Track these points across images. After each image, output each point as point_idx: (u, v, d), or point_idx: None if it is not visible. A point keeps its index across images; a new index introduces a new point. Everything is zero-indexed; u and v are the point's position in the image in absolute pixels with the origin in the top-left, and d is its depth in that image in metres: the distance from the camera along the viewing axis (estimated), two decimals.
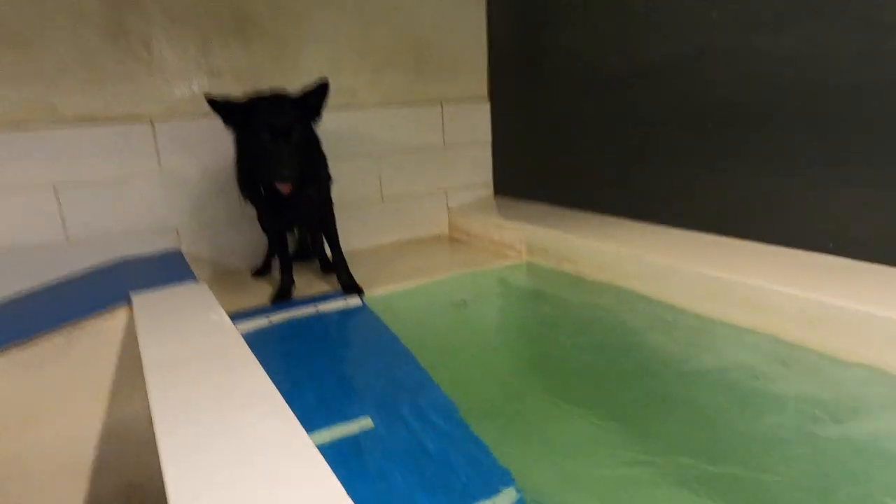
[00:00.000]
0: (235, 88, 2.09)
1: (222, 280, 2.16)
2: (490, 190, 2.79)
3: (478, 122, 2.70)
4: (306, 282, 2.08)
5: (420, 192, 2.61)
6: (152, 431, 0.83)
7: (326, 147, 1.93)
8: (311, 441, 0.71)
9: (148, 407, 1.21)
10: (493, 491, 0.97)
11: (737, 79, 1.66)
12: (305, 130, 1.70)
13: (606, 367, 1.45)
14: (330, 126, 2.15)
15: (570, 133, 2.32)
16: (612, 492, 0.99)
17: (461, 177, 2.70)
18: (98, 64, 1.97)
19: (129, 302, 1.49)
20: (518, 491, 0.97)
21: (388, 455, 1.09)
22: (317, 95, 1.70)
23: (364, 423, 1.20)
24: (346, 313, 1.78)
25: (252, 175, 1.74)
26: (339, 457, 1.08)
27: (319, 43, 2.29)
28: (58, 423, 1.52)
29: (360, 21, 2.35)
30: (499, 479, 1.01)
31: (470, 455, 1.07)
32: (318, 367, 1.47)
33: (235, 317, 1.62)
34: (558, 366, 1.51)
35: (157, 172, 2.08)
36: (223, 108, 1.65)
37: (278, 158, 1.59)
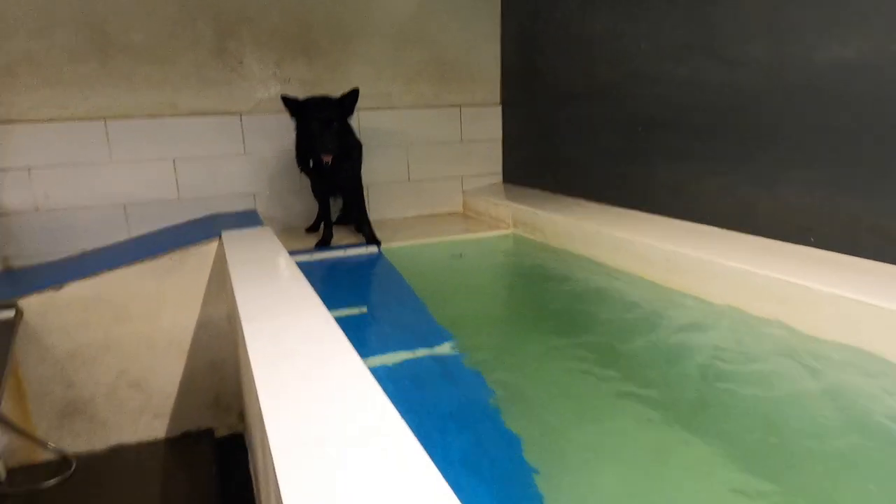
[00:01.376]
0: (300, 92, 2.84)
1: (285, 232, 2.92)
2: (499, 178, 3.43)
3: (491, 122, 3.35)
4: (342, 236, 2.80)
5: (440, 176, 3.29)
6: (228, 325, 1.45)
7: (364, 137, 2.64)
8: (337, 325, 1.14)
9: (226, 308, 1.88)
10: (438, 342, 1.63)
11: (654, 95, 2.23)
12: (342, 122, 2.43)
13: (558, 302, 2.05)
14: (371, 123, 2.87)
15: (556, 133, 2.93)
16: (556, 378, 1.54)
17: (475, 166, 3.36)
18: (206, 74, 2.77)
19: (220, 237, 2.24)
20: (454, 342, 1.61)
21: (373, 326, 1.77)
22: (350, 99, 2.44)
23: (362, 309, 1.89)
24: (365, 257, 2.49)
25: (306, 151, 2.49)
26: (345, 327, 1.77)
27: (364, 60, 3.01)
28: (172, 314, 2.30)
29: (394, 44, 3.06)
30: (441, 335, 1.66)
31: (432, 328, 1.73)
32: (340, 284, 2.18)
33: (291, 253, 2.36)
34: (523, 301, 2.14)
35: (242, 153, 2.87)
36: (290, 103, 2.41)
37: (322, 138, 2.33)
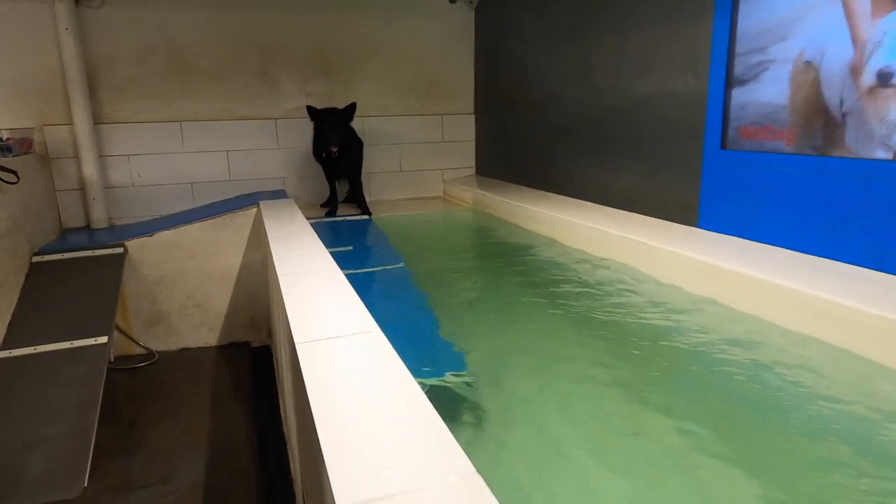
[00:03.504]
0: (320, 103, 3.85)
1: (305, 206, 3.93)
2: (473, 170, 4.38)
3: (466, 127, 4.30)
4: (345, 210, 3.80)
5: (425, 168, 4.26)
6: (262, 267, 2.40)
7: (366, 138, 3.63)
8: (332, 258, 2.22)
9: (261, 254, 2.86)
10: (393, 263, 2.59)
11: (559, 109, 3.15)
12: (345, 125, 3.44)
13: (481, 247, 2.99)
14: (372, 127, 3.86)
15: (510, 136, 3.86)
16: (467, 286, 2.45)
17: (453, 161, 4.32)
18: (251, 89, 3.81)
19: (258, 205, 3.25)
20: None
21: (355, 256, 2.74)
22: (350, 109, 3.46)
23: (348, 248, 2.87)
24: (359, 222, 3.49)
25: (319, 146, 3.50)
26: (337, 257, 2.75)
27: (367, 79, 4.01)
28: (223, 257, 3.32)
29: (392, 66, 4.05)
30: (396, 259, 2.62)
31: (391, 256, 2.69)
32: (338, 235, 3.18)
33: (308, 218, 3.36)
34: (460, 246, 3.09)
35: (276, 147, 3.90)
36: (311, 111, 3.43)
37: (330, 135, 3.34)
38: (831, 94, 1.78)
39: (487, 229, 3.29)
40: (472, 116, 4.30)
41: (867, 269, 1.67)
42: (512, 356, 1.69)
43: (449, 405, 1.39)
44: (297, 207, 3.13)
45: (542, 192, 3.42)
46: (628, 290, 2.06)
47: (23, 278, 2.85)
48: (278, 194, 3.70)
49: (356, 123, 3.66)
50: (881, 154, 1.66)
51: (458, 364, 1.63)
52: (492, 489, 0.65)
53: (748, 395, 1.37)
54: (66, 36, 3.33)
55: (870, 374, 1.35)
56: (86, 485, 2.10)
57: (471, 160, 4.37)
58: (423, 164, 4.25)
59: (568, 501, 1.07)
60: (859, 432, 1.20)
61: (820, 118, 1.82)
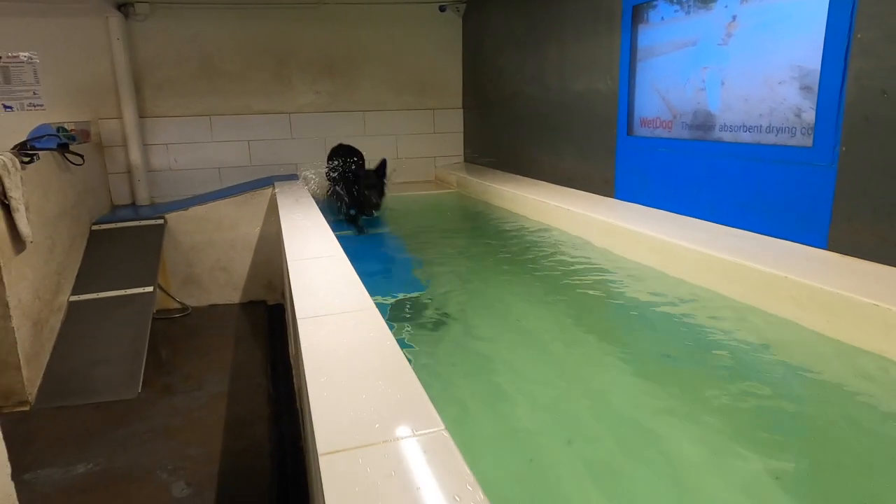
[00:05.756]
0: (326, 101, 4.50)
1: (314, 189, 4.59)
2: (461, 158, 4.99)
3: (455, 120, 4.92)
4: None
5: (419, 156, 4.89)
6: (277, 239, 3.09)
7: (368, 130, 4.27)
8: (332, 230, 2.91)
9: (276, 229, 3.51)
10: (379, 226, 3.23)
11: (522, 105, 3.75)
12: (383, 183, 3.55)
13: (459, 219, 3.60)
14: (373, 120, 4.49)
15: (491, 127, 4.47)
16: (444, 245, 3.08)
17: (445, 150, 4.94)
18: (268, 88, 4.48)
19: (273, 185, 3.92)
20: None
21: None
22: (384, 167, 3.57)
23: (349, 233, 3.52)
24: None
25: (358, 207, 3.45)
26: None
27: (368, 78, 4.65)
28: (244, 228, 3.99)
29: (389, 67, 4.68)
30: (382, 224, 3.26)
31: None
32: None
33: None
34: (440, 219, 3.71)
35: (289, 137, 4.56)
36: (338, 172, 3.89)
37: (374, 200, 3.35)
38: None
39: (463, 206, 3.91)
40: (461, 111, 4.91)
41: (711, 223, 2.25)
42: (465, 281, 2.34)
43: (414, 306, 2.05)
44: (306, 189, 3.78)
45: (512, 175, 4.02)
46: (552, 242, 2.68)
47: (85, 242, 3.56)
48: (290, 178, 4.36)
49: (360, 119, 4.31)
50: (714, 137, 2.24)
51: (421, 285, 2.30)
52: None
53: (609, 298, 1.98)
54: (117, 45, 4.03)
55: (678, 283, 1.94)
56: (140, 390, 2.79)
57: (460, 149, 4.98)
58: (417, 152, 4.87)
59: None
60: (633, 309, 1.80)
61: (683, 111, 2.40)
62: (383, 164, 3.52)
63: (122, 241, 3.68)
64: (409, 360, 1.26)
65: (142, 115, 4.24)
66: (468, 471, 0.77)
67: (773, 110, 1.99)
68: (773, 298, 1.62)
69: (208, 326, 3.77)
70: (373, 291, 1.45)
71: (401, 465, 0.78)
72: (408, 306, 2.10)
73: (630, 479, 1.11)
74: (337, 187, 3.73)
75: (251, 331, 3.66)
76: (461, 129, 4.95)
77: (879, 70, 1.59)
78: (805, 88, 1.86)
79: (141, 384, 2.82)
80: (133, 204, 4.31)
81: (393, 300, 2.16)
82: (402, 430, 0.85)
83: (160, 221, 3.81)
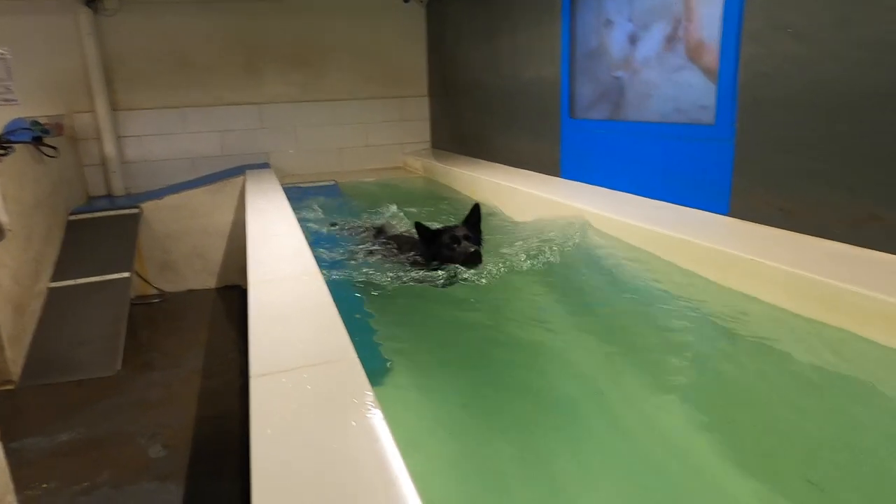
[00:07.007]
0: (296, 91, 4.66)
1: (286, 176, 4.75)
2: (429, 145, 5.18)
3: (422, 107, 5.09)
4: (312, 176, 4.62)
5: (388, 143, 5.06)
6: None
7: (337, 119, 4.43)
8: (294, 214, 3.11)
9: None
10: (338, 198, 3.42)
11: (481, 92, 3.93)
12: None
13: (422, 200, 3.78)
14: (342, 110, 4.65)
15: (455, 114, 4.65)
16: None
17: (412, 137, 5.11)
18: (239, 80, 4.62)
19: (244, 174, 4.08)
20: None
21: (306, 197, 3.56)
22: (478, 212, 2.39)
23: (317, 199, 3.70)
24: (325, 186, 4.29)
25: (436, 251, 2.28)
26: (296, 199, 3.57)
27: (337, 69, 4.80)
28: (218, 216, 4.15)
29: (359, 58, 4.83)
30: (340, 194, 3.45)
31: (342, 202, 3.51)
32: (306, 197, 3.99)
33: (283, 186, 4.17)
34: (422, 203, 3.90)
35: (259, 126, 4.71)
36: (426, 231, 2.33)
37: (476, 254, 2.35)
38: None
39: (428, 189, 4.11)
40: (427, 98, 5.08)
41: (640, 196, 2.47)
42: None
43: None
44: (275, 177, 3.95)
45: (474, 159, 4.21)
46: (503, 216, 2.89)
47: (63, 232, 3.70)
48: (262, 166, 4.52)
49: (329, 109, 4.47)
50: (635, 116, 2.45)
51: None
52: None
53: (546, 258, 2.19)
54: (88, 40, 4.15)
55: (607, 245, 2.16)
56: (120, 367, 2.97)
57: (426, 135, 5.16)
58: (385, 139, 5.05)
59: None
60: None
61: (612, 94, 2.62)
62: (476, 208, 2.47)
63: (98, 231, 3.82)
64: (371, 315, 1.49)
65: (115, 107, 4.37)
66: (369, 387, 0.98)
67: (681, 93, 2.21)
68: (680, 256, 1.84)
69: (185, 310, 3.94)
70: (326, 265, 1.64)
71: (316, 382, 0.99)
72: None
73: None
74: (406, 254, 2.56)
75: (226, 312, 3.84)
76: (427, 116, 5.12)
77: (765, 55, 1.80)
78: (708, 72, 2.08)
79: (121, 362, 2.99)
80: (109, 195, 4.44)
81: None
82: (320, 358, 1.06)
83: (136, 211, 3.96)
